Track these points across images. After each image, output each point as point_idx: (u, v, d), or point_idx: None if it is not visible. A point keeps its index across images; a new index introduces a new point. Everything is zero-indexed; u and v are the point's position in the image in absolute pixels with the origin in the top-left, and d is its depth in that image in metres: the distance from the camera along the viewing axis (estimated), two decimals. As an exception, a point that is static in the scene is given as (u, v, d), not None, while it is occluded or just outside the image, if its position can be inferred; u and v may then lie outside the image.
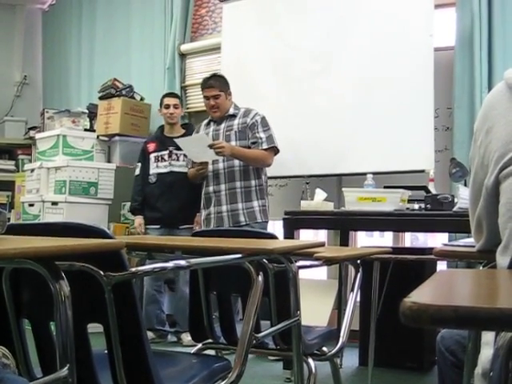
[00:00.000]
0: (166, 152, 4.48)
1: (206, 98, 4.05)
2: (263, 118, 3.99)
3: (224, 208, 3.94)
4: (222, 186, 3.96)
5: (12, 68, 7.02)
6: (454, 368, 1.56)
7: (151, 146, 4.57)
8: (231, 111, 4.07)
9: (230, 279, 2.08)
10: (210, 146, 3.81)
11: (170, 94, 4.70)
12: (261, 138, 3.93)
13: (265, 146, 3.92)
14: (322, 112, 4.26)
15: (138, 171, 4.59)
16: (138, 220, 4.52)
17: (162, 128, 4.68)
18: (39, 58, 7.18)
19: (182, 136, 4.43)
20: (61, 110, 5.59)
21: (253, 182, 3.96)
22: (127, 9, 6.01)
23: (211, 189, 4.00)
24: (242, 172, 3.94)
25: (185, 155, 4.36)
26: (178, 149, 4.39)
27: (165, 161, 4.48)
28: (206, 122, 4.18)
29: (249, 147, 3.95)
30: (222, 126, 4.05)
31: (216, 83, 4.04)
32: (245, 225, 3.86)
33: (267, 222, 4.01)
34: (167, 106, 4.54)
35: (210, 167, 3.98)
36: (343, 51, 4.24)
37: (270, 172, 4.13)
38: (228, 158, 3.92)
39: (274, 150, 3.98)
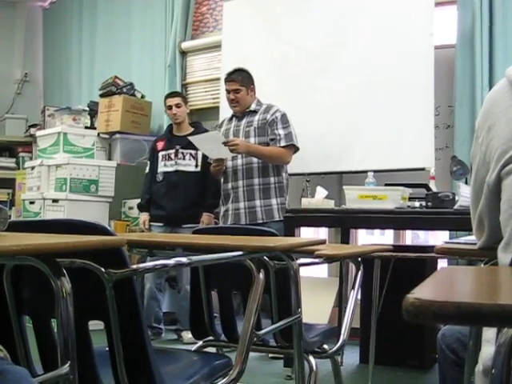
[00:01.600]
0: (173, 151, 4.47)
1: (227, 91, 4.01)
2: (284, 115, 3.93)
3: (242, 205, 3.91)
4: (240, 183, 3.92)
5: (13, 65, 7.02)
6: (455, 366, 1.56)
7: (160, 145, 4.57)
8: (253, 107, 4.01)
9: (231, 276, 2.08)
10: (225, 144, 3.78)
11: (171, 94, 4.66)
12: (279, 135, 3.87)
13: (282, 144, 3.87)
14: (322, 110, 4.26)
15: (147, 169, 4.59)
16: (144, 216, 4.52)
17: (170, 126, 4.67)
18: (40, 56, 7.18)
19: (190, 135, 4.43)
20: (61, 107, 5.59)
21: (272, 179, 3.91)
22: (128, 6, 6.01)
23: (229, 185, 3.97)
24: (260, 169, 3.89)
25: (191, 154, 4.36)
26: (185, 148, 4.39)
27: (171, 159, 4.47)
28: (229, 116, 4.14)
29: (268, 144, 3.90)
30: (243, 121, 4.01)
31: (238, 77, 3.99)
32: (262, 223, 3.80)
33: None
34: (169, 107, 4.52)
35: (229, 163, 3.94)
36: (344, 49, 4.24)
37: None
38: (246, 155, 3.88)
39: (293, 148, 3.91)
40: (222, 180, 4.04)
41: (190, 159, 4.42)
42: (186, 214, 4.34)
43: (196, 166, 4.42)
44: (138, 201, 4.67)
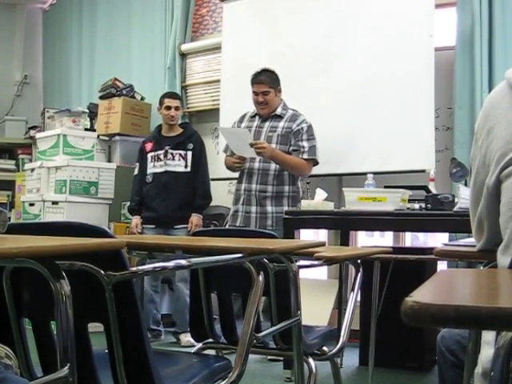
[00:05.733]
0: (162, 152, 4.45)
1: (255, 93, 3.93)
2: (309, 127, 3.88)
3: (253, 209, 3.89)
4: (253, 187, 3.89)
5: (12, 67, 7.02)
6: (455, 368, 1.56)
7: (148, 146, 4.56)
8: (279, 111, 3.96)
9: (231, 279, 2.08)
10: (251, 145, 3.74)
11: (172, 95, 4.61)
12: (303, 147, 3.84)
13: (305, 156, 3.84)
14: (322, 112, 4.26)
15: (136, 171, 4.58)
16: (135, 220, 4.51)
17: (159, 127, 4.65)
18: (40, 58, 7.18)
19: (180, 135, 4.42)
20: (61, 109, 5.59)
21: (286, 188, 3.88)
22: (128, 8, 6.01)
23: (242, 186, 3.94)
24: (275, 176, 3.86)
25: (180, 154, 4.36)
26: (174, 148, 4.39)
27: (160, 160, 4.45)
28: (251, 113, 4.06)
29: (289, 153, 3.86)
30: (267, 124, 3.95)
31: (266, 79, 3.92)
32: (271, 230, 3.72)
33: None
34: (168, 108, 4.48)
35: (246, 164, 3.91)
36: (344, 51, 4.24)
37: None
38: (265, 160, 3.84)
39: (314, 162, 3.90)
40: (237, 180, 4.01)
41: (179, 159, 4.41)
42: (177, 215, 4.34)
43: (185, 166, 4.40)
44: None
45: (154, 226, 4.43)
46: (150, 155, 4.52)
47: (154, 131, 4.72)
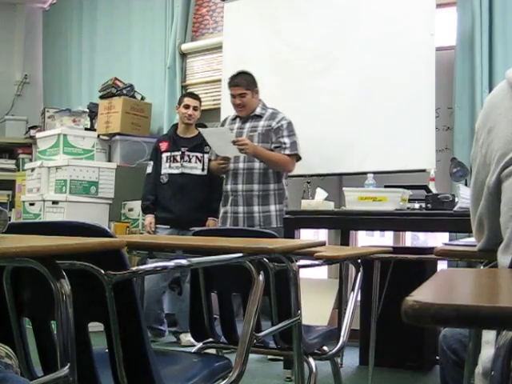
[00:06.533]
0: (179, 153, 4.43)
1: (233, 96, 3.98)
2: (289, 123, 3.92)
3: (240, 209, 3.91)
4: (240, 187, 3.91)
5: (12, 67, 7.03)
6: (456, 367, 1.56)
7: (163, 145, 4.52)
8: (258, 111, 4.00)
9: (231, 278, 2.08)
10: (233, 142, 3.77)
11: (192, 95, 4.61)
12: (285, 143, 3.87)
13: (288, 152, 3.87)
14: (322, 112, 4.26)
15: (149, 169, 4.53)
16: (149, 218, 4.46)
17: (175, 127, 4.62)
18: (40, 57, 7.19)
19: (196, 138, 4.40)
20: (61, 109, 5.60)
21: (271, 186, 3.90)
22: (128, 8, 6.01)
23: (229, 187, 3.96)
24: (261, 175, 3.89)
25: (197, 157, 4.35)
26: (191, 150, 4.38)
27: (177, 162, 4.43)
28: (232, 116, 4.11)
29: (271, 150, 3.89)
30: (247, 125, 3.99)
31: (243, 81, 3.97)
32: (259, 228, 3.75)
33: (283, 227, 3.96)
34: (187, 106, 4.46)
35: (231, 165, 3.94)
36: (344, 51, 4.24)
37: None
38: (249, 159, 3.87)
39: (297, 157, 3.92)
40: (224, 181, 4.03)
41: (196, 162, 4.40)
42: (193, 217, 4.31)
43: (202, 169, 4.40)
44: (139, 202, 4.63)
45: (168, 227, 4.41)
46: (165, 155, 4.48)
47: (170, 131, 4.68)
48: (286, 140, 3.88)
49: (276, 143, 3.89)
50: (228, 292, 2.15)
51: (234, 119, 4.09)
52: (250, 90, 3.97)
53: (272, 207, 3.88)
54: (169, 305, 4.79)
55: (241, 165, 3.92)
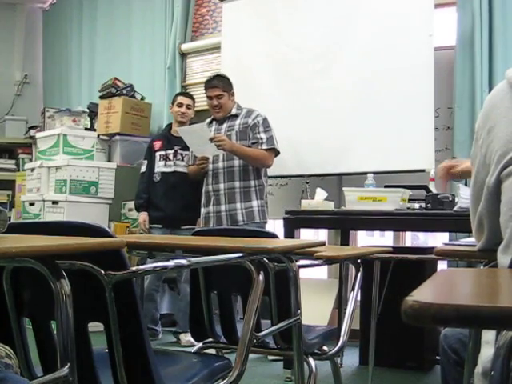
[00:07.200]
0: (172, 151, 4.47)
1: (209, 97, 4.06)
2: (265, 119, 3.99)
3: (223, 208, 3.95)
4: (221, 186, 3.96)
5: (12, 67, 7.03)
6: (457, 366, 1.56)
7: (157, 144, 4.56)
8: (233, 111, 4.07)
9: (231, 278, 2.08)
10: (211, 140, 3.82)
11: (185, 94, 4.70)
12: (261, 139, 3.93)
13: (265, 147, 3.93)
14: (322, 111, 4.26)
15: (143, 168, 4.57)
16: (143, 216, 4.49)
17: (169, 126, 4.66)
18: (40, 57, 7.19)
19: None
20: (61, 109, 5.59)
21: (252, 183, 3.96)
22: (128, 8, 6.01)
23: (210, 187, 4.01)
24: (241, 172, 3.94)
25: (190, 156, 4.37)
26: (184, 149, 4.39)
27: (169, 160, 4.47)
28: (208, 120, 4.17)
29: (249, 147, 3.95)
30: (224, 125, 4.05)
31: (219, 83, 4.06)
32: (243, 224, 3.87)
33: (266, 222, 4.00)
34: (180, 105, 4.51)
35: (210, 166, 3.99)
36: (343, 51, 4.24)
37: (270, 172, 4.13)
38: (228, 158, 3.92)
39: (275, 152, 3.98)
40: (204, 182, 4.06)
41: (189, 160, 4.42)
42: (185, 215, 4.34)
43: None
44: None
45: (160, 226, 4.43)
46: (158, 154, 4.52)
47: (164, 130, 4.73)
48: (263, 135, 3.94)
49: (253, 139, 3.95)
50: (228, 292, 2.15)
51: (210, 122, 4.15)
52: (226, 92, 4.05)
53: (254, 203, 3.93)
54: (168, 305, 4.79)
55: (221, 164, 3.97)
